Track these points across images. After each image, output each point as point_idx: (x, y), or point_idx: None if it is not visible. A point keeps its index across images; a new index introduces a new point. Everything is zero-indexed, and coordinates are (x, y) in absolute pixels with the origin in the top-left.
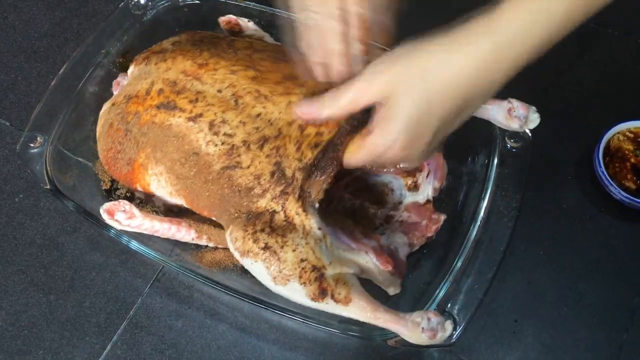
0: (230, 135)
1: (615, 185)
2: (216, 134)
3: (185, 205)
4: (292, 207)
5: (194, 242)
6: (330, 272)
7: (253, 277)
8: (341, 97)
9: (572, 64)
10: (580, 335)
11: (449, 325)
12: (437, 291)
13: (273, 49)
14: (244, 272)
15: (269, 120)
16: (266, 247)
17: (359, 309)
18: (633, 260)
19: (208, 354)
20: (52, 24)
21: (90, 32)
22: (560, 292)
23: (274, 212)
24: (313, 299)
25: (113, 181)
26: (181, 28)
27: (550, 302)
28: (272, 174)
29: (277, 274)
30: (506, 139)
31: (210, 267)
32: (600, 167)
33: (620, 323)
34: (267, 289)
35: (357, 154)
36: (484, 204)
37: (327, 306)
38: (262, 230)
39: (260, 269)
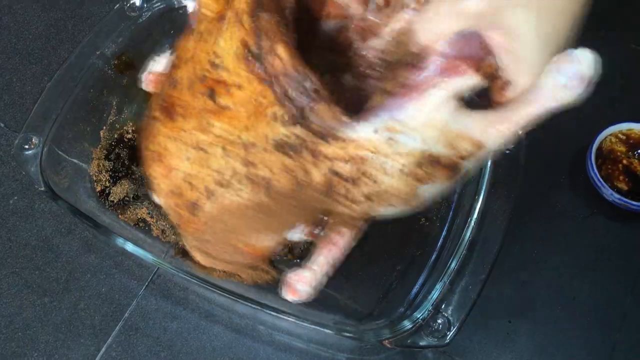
0: (235, 174)
1: (607, 187)
2: (227, 185)
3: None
4: (333, 149)
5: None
6: (434, 144)
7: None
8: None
9: None
10: (573, 335)
11: (583, 55)
12: (432, 292)
13: None
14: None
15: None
16: (367, 198)
17: (498, 135)
18: (625, 261)
19: (203, 355)
20: (47, 26)
21: (86, 33)
22: (553, 293)
23: (332, 170)
24: (454, 180)
25: (108, 183)
26: (176, 30)
27: (543, 303)
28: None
29: (401, 200)
30: None
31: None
32: (593, 168)
33: (613, 322)
34: (261, 290)
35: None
36: (478, 205)
37: (471, 165)
38: (347, 194)
39: (389, 212)
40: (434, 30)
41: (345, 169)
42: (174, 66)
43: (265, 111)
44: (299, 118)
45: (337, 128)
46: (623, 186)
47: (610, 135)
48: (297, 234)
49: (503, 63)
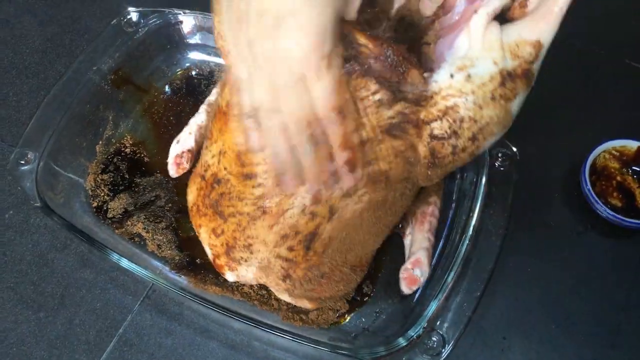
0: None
1: (601, 203)
2: (348, 195)
3: None
4: (427, 111)
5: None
6: (502, 62)
7: (243, 294)
8: None
9: (559, 83)
10: (567, 352)
11: None
12: (427, 309)
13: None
14: (234, 290)
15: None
16: (473, 140)
17: (549, 28)
18: (618, 277)
19: None
20: (44, 40)
21: (83, 48)
22: (547, 309)
23: (432, 137)
24: (530, 81)
25: (107, 197)
26: (172, 45)
27: (538, 319)
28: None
29: (500, 126)
30: (495, 157)
31: (197, 285)
32: (587, 185)
33: (606, 339)
34: (256, 306)
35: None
36: (473, 222)
37: (538, 65)
38: (453, 152)
39: (490, 143)
40: None
41: (442, 127)
42: None
43: (369, 101)
44: (397, 93)
45: (426, 89)
46: (617, 202)
47: (604, 151)
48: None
49: None
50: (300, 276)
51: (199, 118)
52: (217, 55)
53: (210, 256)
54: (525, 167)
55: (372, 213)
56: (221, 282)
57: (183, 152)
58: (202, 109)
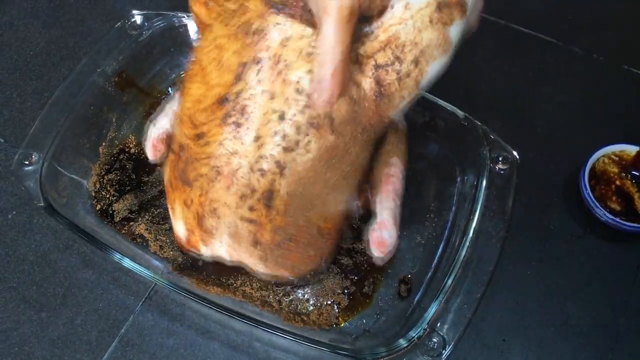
0: (299, 126)
1: (600, 207)
2: (296, 145)
3: None
4: (367, 50)
5: None
6: None
7: (244, 295)
8: None
9: (558, 88)
10: (566, 356)
11: None
12: (427, 310)
13: None
14: (236, 290)
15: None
16: (415, 63)
17: None
18: (617, 281)
19: None
20: (48, 42)
21: (86, 50)
22: (547, 312)
23: (377, 67)
24: (466, 19)
25: (112, 198)
26: (176, 48)
27: (537, 322)
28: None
29: (440, 50)
30: (495, 161)
31: (199, 286)
32: (586, 189)
33: (605, 343)
34: (257, 307)
35: None
36: (473, 224)
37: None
38: (398, 78)
39: (435, 71)
40: None
41: (386, 55)
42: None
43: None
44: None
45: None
46: (616, 207)
47: (603, 156)
48: (355, 205)
49: None
50: (268, 240)
51: (174, 103)
52: None
53: (183, 238)
54: (526, 171)
55: (324, 163)
56: (223, 282)
57: (159, 135)
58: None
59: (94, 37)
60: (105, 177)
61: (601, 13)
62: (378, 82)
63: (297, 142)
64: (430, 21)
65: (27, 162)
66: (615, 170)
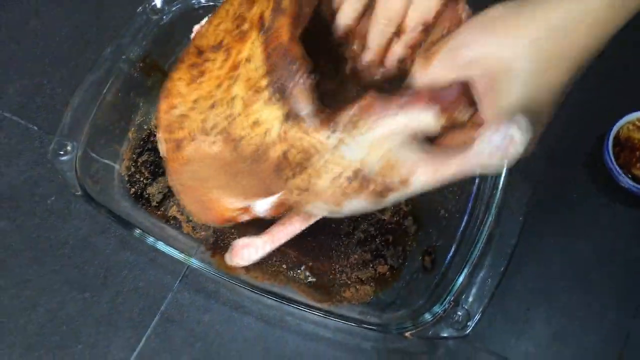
0: (216, 125)
1: (624, 175)
2: (207, 133)
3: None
4: (295, 134)
5: (308, 224)
6: (370, 167)
7: (272, 274)
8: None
9: None
10: (589, 322)
11: (516, 132)
12: (452, 284)
13: None
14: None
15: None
16: (300, 191)
17: (422, 182)
18: None
19: (235, 345)
20: (72, 28)
21: (109, 35)
22: (570, 281)
23: (285, 152)
24: (375, 203)
25: (146, 181)
26: None
27: (561, 291)
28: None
29: (326, 205)
30: None
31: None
32: (610, 156)
33: (628, 309)
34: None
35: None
36: (496, 197)
37: (393, 199)
38: (289, 177)
39: (314, 210)
40: (433, 78)
41: (294, 156)
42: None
43: (260, 83)
44: (280, 95)
45: (305, 117)
46: None
47: (628, 123)
48: (263, 208)
49: (481, 106)
50: (170, 170)
51: None
52: None
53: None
54: (548, 140)
55: (220, 167)
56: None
57: None
58: None
59: (117, 21)
60: (138, 160)
61: None
62: (278, 166)
63: (209, 133)
64: (334, 178)
65: (62, 152)
66: None
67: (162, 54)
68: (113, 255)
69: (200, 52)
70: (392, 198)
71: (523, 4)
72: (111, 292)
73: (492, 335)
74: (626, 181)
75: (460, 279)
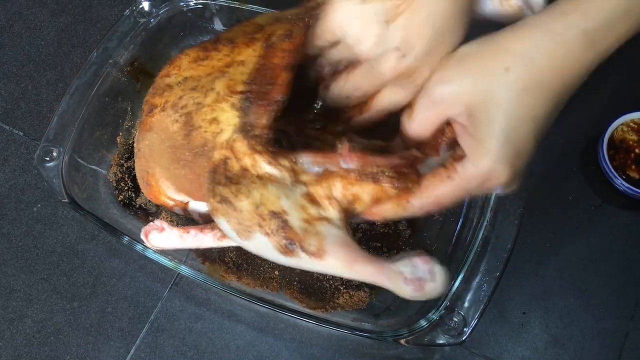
0: (185, 106)
1: (618, 177)
2: (175, 110)
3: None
4: (240, 148)
5: (220, 244)
6: (294, 218)
7: (264, 281)
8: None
9: None
10: (586, 325)
11: (440, 273)
12: (448, 290)
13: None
14: (255, 278)
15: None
16: (222, 200)
17: (336, 263)
18: (636, 249)
19: (228, 354)
20: (58, 31)
21: (96, 37)
22: (566, 284)
23: (227, 158)
24: (283, 253)
25: (130, 189)
26: (185, 33)
27: (556, 294)
28: (213, 120)
29: (238, 226)
30: None
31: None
32: (604, 158)
33: (625, 312)
34: (278, 291)
35: (443, 197)
36: (491, 201)
37: (302, 261)
38: (219, 183)
39: (224, 225)
40: (419, 124)
41: (232, 166)
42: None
43: (238, 86)
44: (246, 105)
45: (255, 138)
46: (635, 175)
47: (622, 124)
48: (197, 212)
49: (462, 140)
50: (138, 131)
51: None
52: None
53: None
54: (543, 142)
55: (168, 148)
56: (246, 269)
57: None
58: None
59: (103, 24)
60: (125, 165)
61: None
62: (216, 168)
63: (176, 109)
64: (255, 205)
65: (47, 158)
66: (635, 137)
67: (150, 57)
68: (102, 263)
69: (217, 40)
70: (296, 261)
71: (496, 38)
72: (100, 301)
73: (488, 340)
74: (621, 183)
75: (456, 284)
